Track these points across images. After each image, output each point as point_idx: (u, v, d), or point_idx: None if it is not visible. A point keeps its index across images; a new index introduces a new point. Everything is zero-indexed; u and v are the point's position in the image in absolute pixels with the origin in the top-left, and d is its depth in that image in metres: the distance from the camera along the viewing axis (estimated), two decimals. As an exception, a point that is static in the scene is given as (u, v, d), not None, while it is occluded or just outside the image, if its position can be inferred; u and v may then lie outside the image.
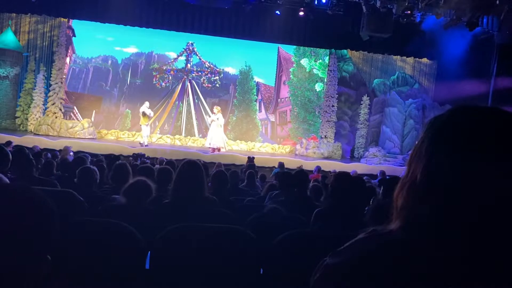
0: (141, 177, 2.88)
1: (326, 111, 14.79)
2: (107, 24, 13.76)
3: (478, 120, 0.72)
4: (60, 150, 8.42)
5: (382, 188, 3.93)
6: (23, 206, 0.89)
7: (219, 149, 12.34)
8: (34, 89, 13.89)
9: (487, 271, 0.66)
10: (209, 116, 13.66)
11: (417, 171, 0.73)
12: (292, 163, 10.96)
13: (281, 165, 9.20)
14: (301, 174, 3.66)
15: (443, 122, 0.75)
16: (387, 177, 8.21)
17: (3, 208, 0.87)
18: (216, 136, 12.33)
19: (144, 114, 12.49)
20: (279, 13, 13.30)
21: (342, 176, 2.84)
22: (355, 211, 2.54)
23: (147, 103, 12.72)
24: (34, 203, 0.91)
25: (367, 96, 14.87)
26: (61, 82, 14.10)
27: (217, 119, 12.34)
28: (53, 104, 13.91)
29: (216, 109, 12.62)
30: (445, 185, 0.69)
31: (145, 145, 12.36)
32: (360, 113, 14.85)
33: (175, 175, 2.84)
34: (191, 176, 2.75)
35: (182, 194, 2.70)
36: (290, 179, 3.56)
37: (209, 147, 12.40)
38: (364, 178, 6.37)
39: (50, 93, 13.97)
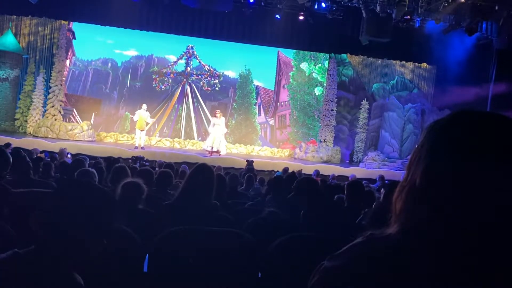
0: (129, 179, 2.88)
1: (325, 115, 14.81)
2: (107, 27, 13.79)
3: (477, 124, 0.72)
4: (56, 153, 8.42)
5: (383, 192, 3.94)
6: (94, 198, 1.20)
7: (219, 152, 12.29)
8: (34, 91, 13.89)
9: (487, 274, 0.66)
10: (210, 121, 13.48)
11: (416, 174, 0.73)
12: (291, 167, 10.95)
13: (285, 170, 9.18)
14: (292, 178, 3.66)
15: (443, 126, 0.75)
16: (386, 181, 8.22)
17: (79, 199, 1.18)
18: (222, 140, 12.28)
19: (139, 120, 12.23)
20: (279, 17, 13.34)
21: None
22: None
23: (144, 106, 12.38)
24: (102, 196, 1.22)
25: (366, 101, 14.90)
26: (61, 85, 14.11)
27: (219, 124, 12.26)
28: (52, 106, 13.91)
29: (219, 113, 12.49)
30: (444, 189, 0.69)
31: (136, 147, 12.17)
32: (359, 117, 14.87)
33: (187, 177, 2.82)
34: (203, 180, 2.73)
35: (189, 196, 2.69)
36: (280, 184, 3.56)
37: (212, 151, 12.29)
38: (363, 182, 6.37)
39: (50, 95, 13.97)
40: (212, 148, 12.21)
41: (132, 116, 12.64)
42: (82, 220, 1.16)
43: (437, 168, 0.71)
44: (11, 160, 3.01)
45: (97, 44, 15.10)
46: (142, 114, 12.21)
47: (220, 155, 12.17)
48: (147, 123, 12.54)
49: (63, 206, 1.18)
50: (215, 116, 12.46)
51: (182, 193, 2.75)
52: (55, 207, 1.18)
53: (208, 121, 15.28)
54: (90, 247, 1.19)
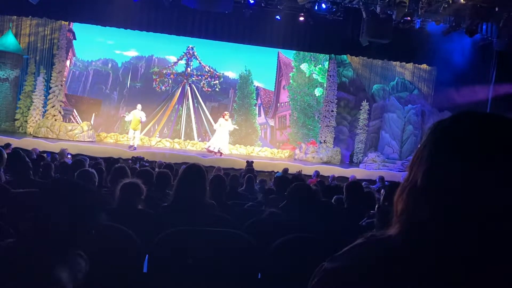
0: (128, 179, 2.88)
1: (325, 116, 14.81)
2: (107, 27, 13.78)
3: (480, 126, 0.72)
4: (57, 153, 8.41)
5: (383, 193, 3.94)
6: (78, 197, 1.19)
7: (221, 154, 12.40)
8: (34, 92, 13.90)
9: (488, 275, 0.66)
10: (214, 122, 13.65)
11: (418, 175, 0.73)
12: (291, 168, 10.95)
13: (285, 170, 9.18)
14: (297, 179, 3.66)
15: (445, 127, 0.75)
16: (386, 182, 8.22)
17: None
18: (224, 141, 12.47)
19: (133, 120, 12.19)
20: (279, 18, 13.35)
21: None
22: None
23: (139, 106, 12.35)
24: (86, 195, 1.22)
25: (366, 102, 14.90)
26: (61, 85, 14.11)
27: (225, 126, 12.50)
28: (52, 106, 13.91)
29: (227, 115, 12.79)
30: (445, 190, 0.69)
31: (131, 147, 12.11)
32: (359, 118, 14.87)
33: (178, 178, 2.83)
34: (194, 180, 2.74)
35: (183, 197, 2.69)
36: (288, 184, 3.55)
37: (213, 151, 12.41)
38: (363, 183, 6.37)
39: (50, 96, 13.97)
40: (215, 149, 12.36)
41: (123, 115, 12.69)
42: (65, 218, 1.16)
43: (439, 169, 0.71)
44: (5, 156, 3.02)
45: (97, 45, 15.10)
46: (136, 114, 12.20)
47: (221, 156, 12.24)
48: (141, 122, 12.51)
49: (46, 204, 1.18)
50: (223, 118, 12.66)
51: (175, 194, 2.75)
52: (38, 205, 1.18)
53: (208, 122, 15.33)
54: (74, 244, 1.18)
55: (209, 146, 12.63)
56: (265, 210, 3.27)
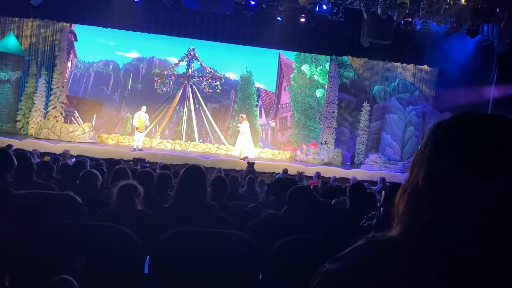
0: (125, 181, 2.88)
1: (326, 117, 14.79)
2: (108, 29, 13.80)
3: (479, 126, 0.72)
4: (60, 155, 8.42)
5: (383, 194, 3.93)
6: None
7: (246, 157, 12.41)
8: (35, 93, 13.91)
9: (489, 276, 0.66)
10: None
11: (419, 176, 0.74)
12: (292, 169, 10.94)
13: (285, 171, 9.18)
14: (294, 181, 3.67)
15: (446, 128, 0.75)
16: (388, 183, 8.22)
17: None
18: (240, 145, 12.50)
19: (138, 125, 12.25)
20: (280, 19, 13.36)
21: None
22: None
23: (144, 108, 12.51)
24: None
25: (368, 103, 14.88)
26: (62, 86, 14.12)
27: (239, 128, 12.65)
28: (54, 108, 13.93)
29: (241, 118, 12.82)
30: (446, 191, 0.69)
31: (135, 149, 12.18)
32: (361, 119, 14.85)
33: (178, 179, 2.83)
34: (195, 181, 2.74)
35: (184, 198, 2.69)
36: (282, 186, 3.55)
37: (240, 157, 12.45)
38: (365, 184, 6.36)
39: (51, 97, 13.99)
40: (243, 158, 12.34)
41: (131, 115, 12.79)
42: None
43: (440, 170, 0.71)
44: (15, 162, 3.01)
45: (98, 46, 15.13)
46: (142, 116, 12.29)
47: (245, 160, 12.19)
48: (146, 126, 12.64)
49: None
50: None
51: (175, 195, 2.75)
52: None
53: (209, 123, 15.37)
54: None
55: (242, 157, 12.51)
56: (266, 211, 3.26)
